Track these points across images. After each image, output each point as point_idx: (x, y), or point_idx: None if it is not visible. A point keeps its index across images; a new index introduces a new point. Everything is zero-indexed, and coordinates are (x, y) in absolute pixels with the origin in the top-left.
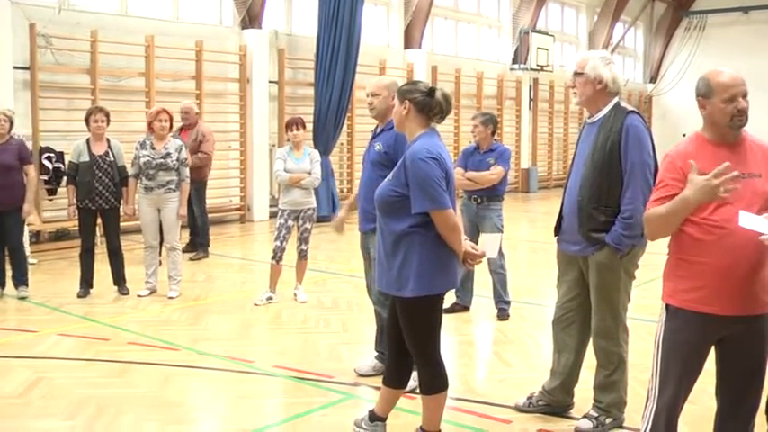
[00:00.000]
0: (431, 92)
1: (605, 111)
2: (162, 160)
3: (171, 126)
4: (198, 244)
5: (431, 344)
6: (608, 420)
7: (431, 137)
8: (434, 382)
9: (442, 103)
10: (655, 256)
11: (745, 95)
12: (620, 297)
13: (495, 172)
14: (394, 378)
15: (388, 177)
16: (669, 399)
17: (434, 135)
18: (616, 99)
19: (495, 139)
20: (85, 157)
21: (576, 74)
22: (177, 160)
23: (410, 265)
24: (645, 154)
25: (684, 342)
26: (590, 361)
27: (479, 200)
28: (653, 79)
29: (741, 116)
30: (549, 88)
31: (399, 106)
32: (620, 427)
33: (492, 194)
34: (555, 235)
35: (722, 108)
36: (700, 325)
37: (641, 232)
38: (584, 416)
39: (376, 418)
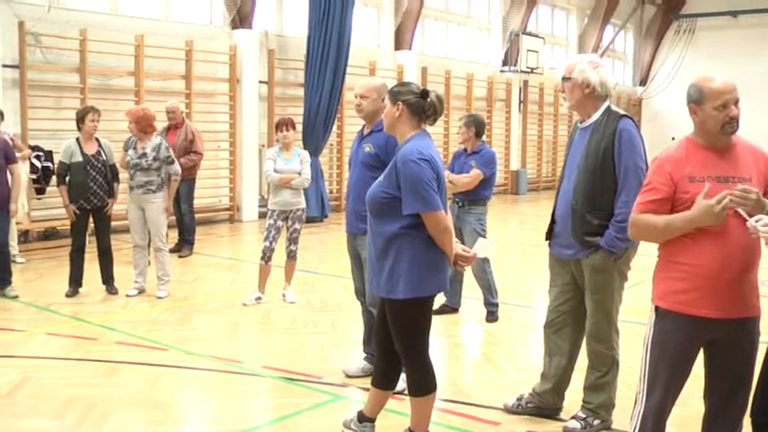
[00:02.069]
0: (424, 94)
1: (597, 115)
2: (137, 160)
3: (140, 126)
4: (185, 241)
5: (420, 346)
6: (596, 422)
7: (422, 138)
8: (423, 384)
9: (436, 104)
10: (644, 258)
11: (737, 102)
12: (613, 300)
13: (469, 175)
14: (382, 379)
15: (378, 179)
16: (657, 402)
17: (426, 137)
18: (607, 103)
19: (484, 141)
20: (78, 157)
21: (564, 78)
22: (154, 159)
23: (401, 266)
24: (638, 158)
25: (674, 344)
26: (579, 363)
27: (460, 203)
28: (642, 82)
29: (732, 123)
30: (538, 90)
31: (392, 108)
32: (608, 429)
33: (473, 198)
34: (546, 239)
35: (714, 115)
36: (689, 327)
37: None
38: (573, 417)
39: (365, 419)
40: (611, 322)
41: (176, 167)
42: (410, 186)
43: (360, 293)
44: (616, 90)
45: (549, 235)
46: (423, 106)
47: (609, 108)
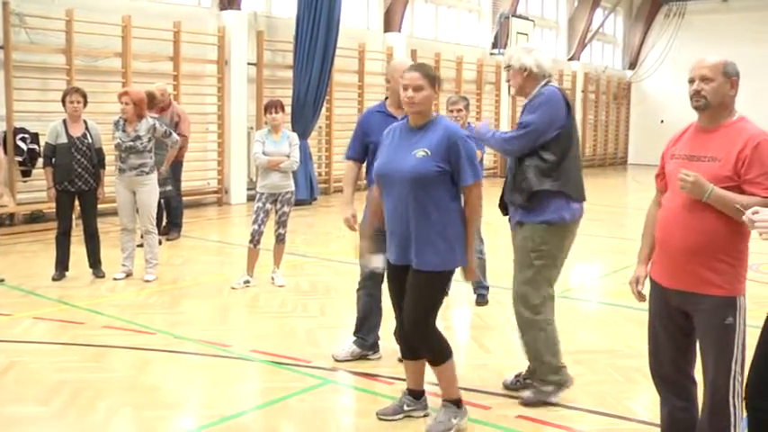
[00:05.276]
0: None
1: (534, 92)
2: (131, 143)
3: (138, 109)
4: (172, 224)
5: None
6: (546, 388)
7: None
8: (444, 350)
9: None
10: (630, 243)
11: (702, 78)
12: (535, 268)
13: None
14: (411, 351)
15: (421, 154)
16: (651, 357)
17: None
18: (545, 81)
19: (469, 122)
20: (63, 139)
21: (506, 67)
22: (149, 140)
23: (461, 236)
24: (536, 114)
25: (653, 308)
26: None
27: None
28: (632, 66)
29: (695, 97)
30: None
31: (432, 92)
32: (558, 392)
33: None
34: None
35: (688, 89)
36: (657, 293)
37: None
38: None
39: (417, 393)
40: (535, 288)
41: (174, 136)
42: (469, 160)
43: (371, 278)
44: (605, 73)
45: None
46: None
47: (545, 83)
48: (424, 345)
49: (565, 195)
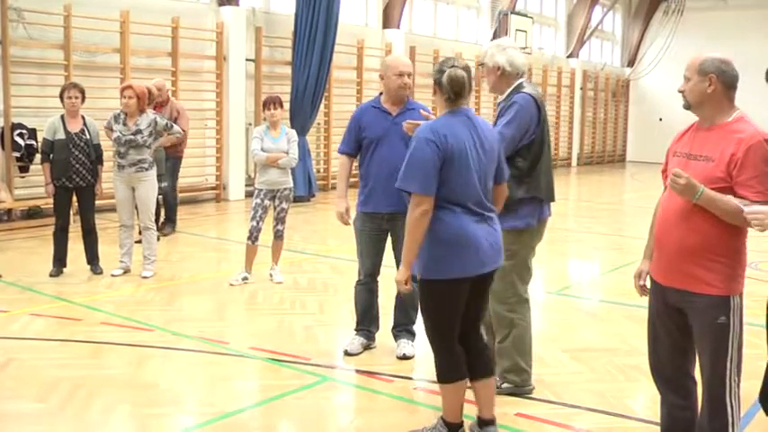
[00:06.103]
0: (441, 72)
1: (507, 92)
2: (132, 137)
3: (141, 103)
4: (167, 220)
5: (442, 331)
6: (504, 385)
7: (447, 118)
8: (441, 371)
9: (443, 83)
10: (632, 240)
11: (684, 77)
12: (502, 269)
13: None
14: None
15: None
16: (650, 355)
17: (452, 117)
18: (519, 80)
19: None
20: (61, 135)
21: (480, 65)
22: (149, 135)
23: (434, 244)
24: (507, 125)
25: (652, 306)
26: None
27: None
28: (630, 63)
29: (682, 96)
30: (527, 71)
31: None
32: (520, 395)
33: None
34: None
35: None
36: (655, 291)
37: None
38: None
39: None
40: (509, 286)
41: (176, 127)
42: (408, 163)
43: (370, 275)
44: (604, 71)
45: None
46: (441, 84)
47: (519, 84)
48: (433, 353)
49: (537, 199)
